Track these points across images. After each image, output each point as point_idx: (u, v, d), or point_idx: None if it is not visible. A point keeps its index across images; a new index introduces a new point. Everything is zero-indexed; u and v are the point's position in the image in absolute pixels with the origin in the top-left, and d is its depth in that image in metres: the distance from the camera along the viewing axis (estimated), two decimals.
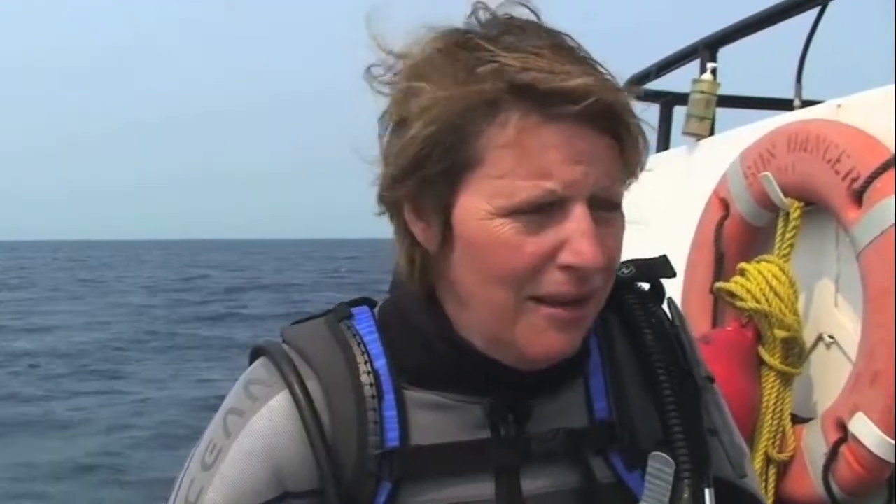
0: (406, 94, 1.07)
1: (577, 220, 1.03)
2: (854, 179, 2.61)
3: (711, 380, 1.22)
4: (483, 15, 1.09)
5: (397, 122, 1.08)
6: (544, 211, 1.04)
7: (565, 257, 1.04)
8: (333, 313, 1.21)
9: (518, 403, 1.14)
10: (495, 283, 1.06)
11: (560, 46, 1.05)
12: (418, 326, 1.15)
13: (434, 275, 1.13)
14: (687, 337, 1.22)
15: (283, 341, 1.19)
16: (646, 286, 1.25)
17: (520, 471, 1.14)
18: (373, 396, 1.13)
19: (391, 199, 1.12)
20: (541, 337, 1.07)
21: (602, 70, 1.06)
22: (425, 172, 1.06)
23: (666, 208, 3.51)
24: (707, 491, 1.15)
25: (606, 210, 1.06)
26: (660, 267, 1.25)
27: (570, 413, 1.17)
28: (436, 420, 1.13)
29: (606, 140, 1.04)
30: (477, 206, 1.05)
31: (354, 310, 1.21)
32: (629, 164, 1.08)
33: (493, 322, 1.09)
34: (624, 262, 1.22)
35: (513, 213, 1.04)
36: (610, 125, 1.04)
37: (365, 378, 1.13)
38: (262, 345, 1.20)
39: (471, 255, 1.07)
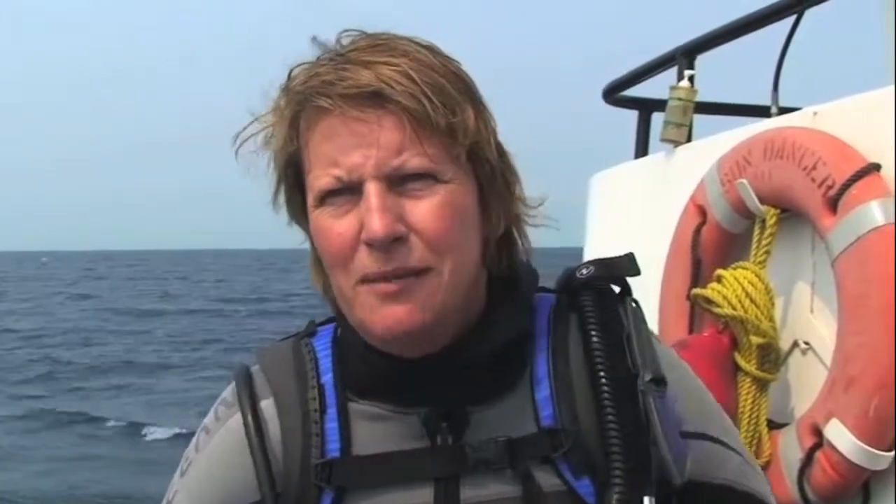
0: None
1: (367, 198, 1.09)
2: (830, 187, 2.62)
3: (659, 382, 1.15)
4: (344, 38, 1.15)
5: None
6: (348, 196, 1.10)
7: (362, 235, 1.09)
8: (302, 332, 1.28)
9: (454, 412, 1.15)
10: (332, 270, 1.14)
11: (369, 46, 1.10)
12: (354, 338, 1.18)
13: None
14: (639, 337, 1.17)
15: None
16: (616, 287, 1.22)
17: (460, 479, 1.14)
18: (315, 410, 1.18)
19: (296, 221, 1.21)
20: (375, 314, 1.10)
21: (418, 56, 1.10)
22: (288, 191, 1.18)
23: (643, 214, 3.52)
24: (647, 499, 1.12)
25: (415, 181, 1.09)
26: (622, 265, 1.22)
27: (514, 420, 1.15)
28: (376, 430, 1.16)
29: (388, 119, 1.08)
30: (308, 204, 1.14)
31: (321, 328, 1.27)
32: (444, 131, 1.09)
33: (347, 310, 1.14)
34: (585, 263, 1.22)
35: (321, 201, 1.11)
36: (378, 103, 1.08)
37: (311, 392, 1.19)
38: (236, 365, 1.28)
39: (316, 250, 1.17)
